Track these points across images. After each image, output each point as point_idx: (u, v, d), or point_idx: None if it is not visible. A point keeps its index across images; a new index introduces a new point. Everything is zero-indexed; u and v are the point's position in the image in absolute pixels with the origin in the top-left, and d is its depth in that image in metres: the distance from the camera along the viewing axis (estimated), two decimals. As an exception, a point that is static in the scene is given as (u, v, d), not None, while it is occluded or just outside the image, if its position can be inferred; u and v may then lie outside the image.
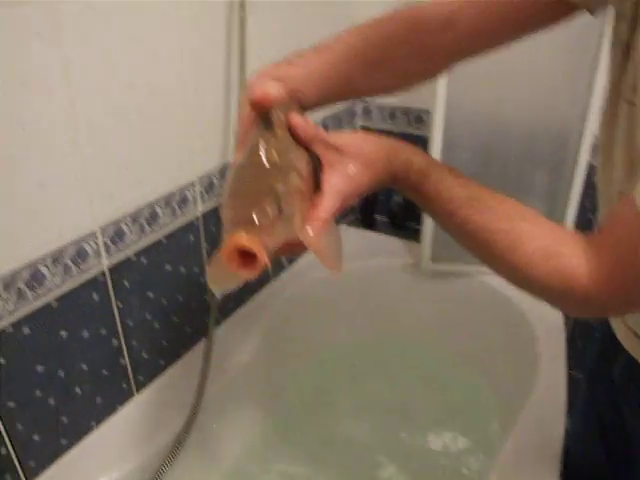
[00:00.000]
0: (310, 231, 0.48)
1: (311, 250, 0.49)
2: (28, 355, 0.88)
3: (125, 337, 1.05)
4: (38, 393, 0.91)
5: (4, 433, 0.88)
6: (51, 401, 0.94)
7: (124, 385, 1.08)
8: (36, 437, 0.93)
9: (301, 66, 0.62)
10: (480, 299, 1.46)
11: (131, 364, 1.08)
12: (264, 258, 0.42)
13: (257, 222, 0.43)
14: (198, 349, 1.23)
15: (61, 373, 0.94)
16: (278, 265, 1.49)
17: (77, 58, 0.83)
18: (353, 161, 0.52)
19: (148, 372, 1.13)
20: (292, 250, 0.50)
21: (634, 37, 0.51)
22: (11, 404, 0.88)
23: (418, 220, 1.54)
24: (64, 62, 0.81)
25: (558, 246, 0.48)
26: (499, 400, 1.40)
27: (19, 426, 0.90)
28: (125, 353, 1.06)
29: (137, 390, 1.12)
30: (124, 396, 1.09)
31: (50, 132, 0.82)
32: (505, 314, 1.40)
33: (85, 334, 0.96)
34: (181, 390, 1.14)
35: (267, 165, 0.49)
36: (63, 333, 0.92)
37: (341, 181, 0.51)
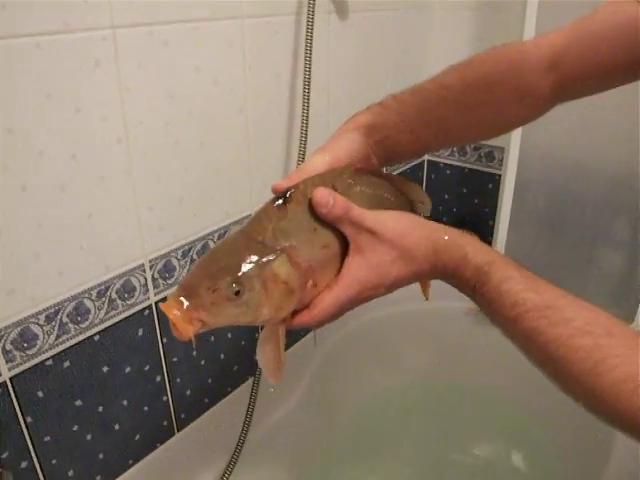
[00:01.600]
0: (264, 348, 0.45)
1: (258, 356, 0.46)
2: (67, 389, 0.85)
3: (169, 373, 1.01)
4: (75, 428, 0.88)
5: (38, 468, 0.85)
6: (88, 437, 0.91)
7: (165, 423, 1.04)
8: (71, 473, 0.90)
9: (394, 111, 0.57)
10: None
11: (174, 401, 1.04)
12: (187, 334, 0.40)
13: (199, 297, 0.41)
14: (245, 388, 1.17)
15: (100, 408, 0.91)
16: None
17: (134, 85, 0.81)
18: (389, 250, 0.45)
19: (191, 410, 1.09)
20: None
21: None
22: (47, 438, 0.85)
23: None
24: (120, 89, 0.79)
25: None
26: (568, 468, 1.28)
27: (54, 461, 0.87)
28: (168, 390, 1.02)
29: (178, 429, 1.08)
30: (164, 434, 1.05)
31: (102, 162, 0.80)
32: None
33: (127, 369, 0.93)
34: (224, 431, 1.09)
35: (251, 242, 0.44)
36: (105, 368, 0.89)
37: (364, 268, 0.45)
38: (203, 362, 1.07)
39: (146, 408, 0.99)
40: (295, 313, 0.47)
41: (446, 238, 0.46)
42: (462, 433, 1.41)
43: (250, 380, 1.16)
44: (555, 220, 1.37)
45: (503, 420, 1.43)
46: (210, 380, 1.11)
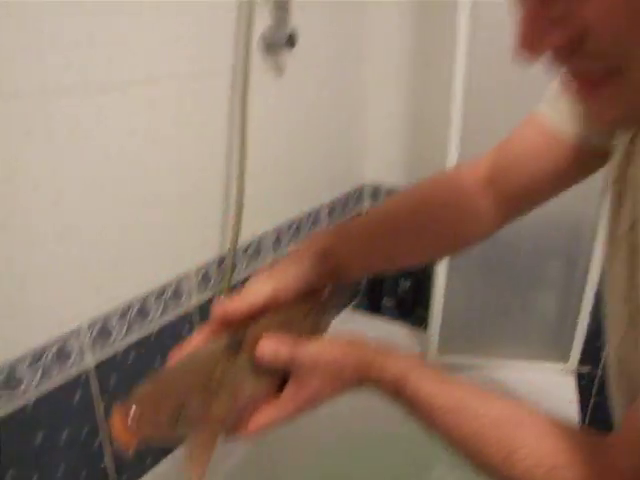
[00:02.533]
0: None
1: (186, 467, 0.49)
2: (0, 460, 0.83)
3: (108, 437, 0.99)
4: (8, 500, 0.86)
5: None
6: None
7: (105, 486, 1.02)
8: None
9: (347, 240, 0.63)
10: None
11: (115, 464, 1.02)
12: (128, 445, 0.47)
13: (133, 416, 0.47)
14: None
15: (35, 478, 0.89)
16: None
17: (66, 151, 0.82)
18: (318, 373, 0.51)
19: (132, 472, 1.07)
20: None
21: (628, 173, 0.47)
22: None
23: (426, 306, 1.49)
24: (52, 156, 0.80)
25: (558, 459, 0.43)
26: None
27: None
28: (105, 454, 1.00)
29: (119, 489, 1.05)
30: (105, 498, 1.03)
31: (35, 226, 0.80)
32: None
33: (64, 435, 0.91)
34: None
35: (199, 378, 0.50)
36: (39, 435, 0.87)
37: (295, 391, 0.52)
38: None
39: (84, 474, 0.97)
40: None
41: (369, 357, 0.52)
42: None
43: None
44: (491, 264, 1.42)
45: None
46: (152, 440, 1.09)
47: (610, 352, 0.52)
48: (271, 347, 0.51)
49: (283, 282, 0.57)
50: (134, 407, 0.47)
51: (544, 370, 1.43)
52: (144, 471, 1.10)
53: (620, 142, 0.49)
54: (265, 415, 0.52)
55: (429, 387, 0.50)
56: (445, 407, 0.48)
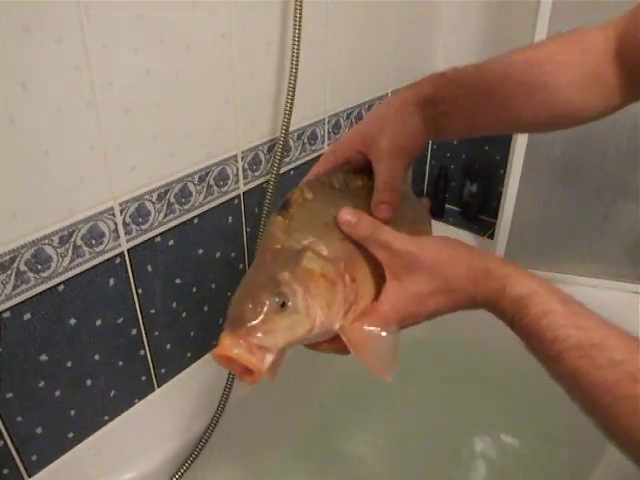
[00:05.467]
0: (352, 332, 0.41)
1: (352, 352, 0.41)
2: (29, 343, 0.78)
3: (146, 327, 0.93)
4: (42, 384, 0.82)
5: (1, 425, 0.79)
6: (57, 393, 0.84)
7: (143, 378, 0.98)
8: (39, 430, 0.84)
9: (456, 85, 0.53)
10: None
11: (152, 356, 0.97)
12: (256, 367, 0.37)
13: (248, 321, 0.38)
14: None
15: (69, 363, 0.84)
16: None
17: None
18: (427, 280, 0.42)
19: (172, 365, 1.02)
20: (335, 348, 0.43)
21: None
22: (10, 395, 0.78)
23: (494, 213, 1.35)
24: (78, 6, 0.68)
25: None
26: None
27: (19, 418, 0.80)
28: (145, 344, 0.95)
29: (158, 384, 1.01)
30: (143, 390, 0.99)
31: (59, 91, 0.69)
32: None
33: (98, 322, 0.86)
34: (206, 388, 1.02)
35: (272, 253, 0.43)
36: (72, 320, 0.82)
37: (401, 299, 0.42)
38: (185, 314, 1.00)
39: (121, 363, 0.92)
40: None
41: (486, 268, 0.42)
42: (456, 393, 1.35)
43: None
44: (572, 169, 1.26)
45: (500, 378, 1.36)
46: (192, 333, 1.04)
47: None
48: (349, 212, 0.44)
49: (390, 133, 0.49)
50: (233, 321, 0.39)
51: (616, 290, 1.29)
52: (184, 366, 1.05)
53: None
54: (368, 321, 0.42)
55: (557, 315, 0.39)
56: (572, 342, 0.38)
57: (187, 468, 0.95)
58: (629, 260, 1.31)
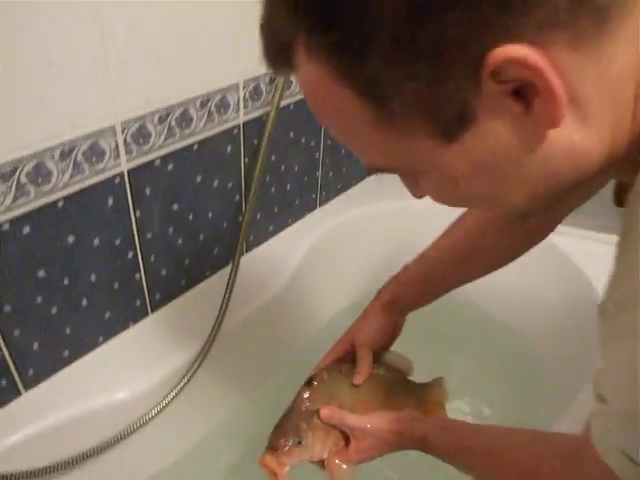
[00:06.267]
0: (330, 462, 0.69)
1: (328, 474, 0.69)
2: (28, 257, 0.78)
3: (142, 250, 0.94)
4: (39, 300, 0.82)
5: (-1, 337, 0.80)
6: (53, 310, 0.85)
7: (138, 302, 0.99)
8: (36, 346, 0.85)
9: (408, 286, 0.75)
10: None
11: (147, 280, 0.98)
12: (278, 471, 0.65)
13: (279, 447, 0.65)
14: (224, 273, 1.12)
15: (66, 281, 0.85)
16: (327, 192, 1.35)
17: None
18: (369, 441, 0.67)
19: (166, 292, 1.04)
20: (322, 466, 0.70)
21: None
22: (8, 308, 0.79)
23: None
24: None
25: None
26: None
27: (17, 332, 0.82)
28: (141, 267, 0.96)
29: (152, 309, 1.02)
30: (137, 314, 1.00)
31: (62, 4, 0.68)
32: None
33: (96, 241, 0.86)
34: (199, 316, 1.04)
35: (298, 411, 0.69)
36: (70, 237, 0.82)
37: (359, 451, 0.68)
38: (181, 241, 1.01)
39: (116, 285, 0.93)
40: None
41: (405, 429, 0.65)
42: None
43: (229, 266, 1.10)
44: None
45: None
46: (187, 261, 1.05)
47: None
48: (328, 412, 0.69)
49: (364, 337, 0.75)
50: (272, 446, 0.66)
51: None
52: (177, 293, 1.07)
53: None
54: (340, 458, 0.69)
55: (443, 439, 0.63)
56: (452, 452, 0.63)
57: (180, 390, 0.97)
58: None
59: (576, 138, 0.35)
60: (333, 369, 0.74)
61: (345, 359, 0.75)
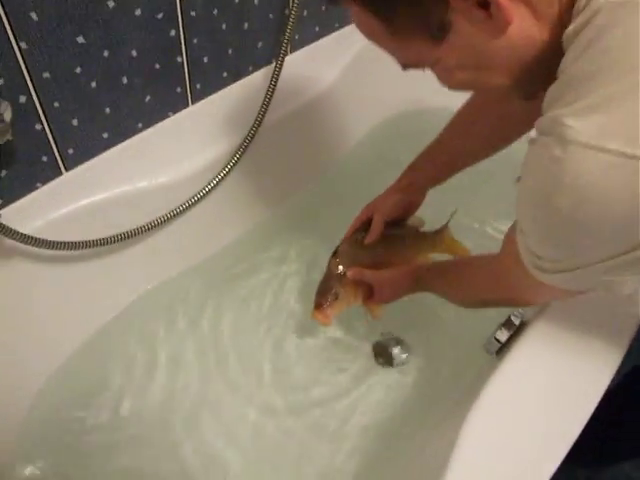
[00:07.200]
0: (367, 304, 0.88)
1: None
2: (66, 19, 0.72)
3: (185, 30, 0.87)
4: (78, 70, 0.78)
5: (39, 107, 0.77)
6: (93, 84, 0.81)
7: (179, 89, 0.94)
8: (75, 122, 0.83)
9: (418, 170, 0.89)
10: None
11: (189, 65, 0.92)
12: (326, 321, 0.84)
13: (323, 304, 0.83)
14: (266, 72, 1.06)
15: (105, 53, 0.80)
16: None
17: None
18: (385, 286, 0.85)
19: (207, 82, 0.98)
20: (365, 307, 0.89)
21: None
22: (46, 74, 0.75)
23: None
24: None
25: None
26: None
27: (56, 104, 0.78)
28: (183, 49, 0.90)
29: (193, 100, 0.98)
30: (178, 103, 0.96)
31: None
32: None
33: (137, 11, 0.79)
34: (239, 112, 1.00)
35: (331, 275, 0.86)
36: (110, 2, 0.76)
37: (378, 295, 0.86)
38: (224, 26, 0.93)
39: (158, 66, 0.88)
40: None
41: (407, 276, 0.83)
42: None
43: (272, 64, 1.03)
44: None
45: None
46: (231, 51, 0.98)
47: None
48: (355, 272, 0.85)
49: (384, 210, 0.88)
50: (317, 303, 0.84)
51: None
52: (219, 86, 1.01)
53: None
54: (369, 302, 0.87)
55: (428, 278, 0.81)
56: (435, 282, 0.80)
57: (221, 179, 0.96)
58: None
59: (530, 28, 0.47)
60: (353, 239, 0.89)
61: (363, 229, 0.89)
